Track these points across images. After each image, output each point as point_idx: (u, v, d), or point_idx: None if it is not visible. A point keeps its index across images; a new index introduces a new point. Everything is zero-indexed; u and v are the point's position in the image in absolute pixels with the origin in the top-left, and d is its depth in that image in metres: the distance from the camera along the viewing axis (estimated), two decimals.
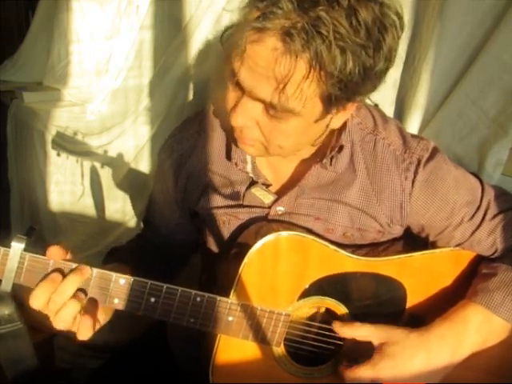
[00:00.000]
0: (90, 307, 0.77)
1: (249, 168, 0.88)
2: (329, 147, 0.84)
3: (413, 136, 0.87)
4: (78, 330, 0.74)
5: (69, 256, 0.76)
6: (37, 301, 0.72)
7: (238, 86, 0.71)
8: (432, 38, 1.07)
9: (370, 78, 0.68)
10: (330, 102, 0.69)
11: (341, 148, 0.84)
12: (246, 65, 0.66)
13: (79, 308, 0.73)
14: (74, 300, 0.72)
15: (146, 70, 1.36)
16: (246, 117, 0.72)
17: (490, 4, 1.02)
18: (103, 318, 0.79)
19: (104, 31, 1.34)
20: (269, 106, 0.69)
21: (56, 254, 0.74)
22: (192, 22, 1.26)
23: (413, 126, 1.16)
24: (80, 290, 0.75)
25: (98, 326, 0.78)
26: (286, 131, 0.73)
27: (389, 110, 1.21)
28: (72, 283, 0.73)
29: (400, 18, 0.67)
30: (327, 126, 0.78)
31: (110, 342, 1.13)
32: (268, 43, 0.63)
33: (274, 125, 0.72)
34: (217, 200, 0.91)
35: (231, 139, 0.87)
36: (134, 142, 1.42)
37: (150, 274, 0.79)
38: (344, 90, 0.67)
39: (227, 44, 0.71)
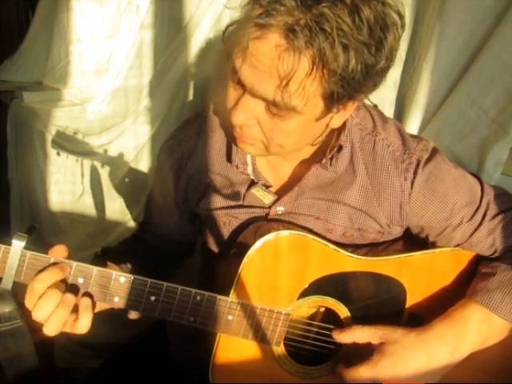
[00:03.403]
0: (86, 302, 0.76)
1: (249, 170, 0.88)
2: (328, 147, 0.84)
3: (412, 136, 0.87)
4: (79, 316, 0.75)
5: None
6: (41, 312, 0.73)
7: (239, 83, 0.70)
8: (432, 38, 1.07)
9: (372, 76, 0.68)
10: (332, 100, 0.69)
11: (340, 148, 0.84)
12: (248, 62, 0.66)
13: (68, 313, 0.73)
14: (62, 306, 0.72)
15: (146, 69, 1.36)
16: (247, 115, 0.72)
17: (490, 4, 1.02)
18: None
19: (104, 31, 1.34)
20: (271, 104, 0.69)
21: (59, 252, 0.75)
22: (192, 22, 1.26)
23: (413, 126, 1.16)
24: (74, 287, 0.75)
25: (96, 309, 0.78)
26: (288, 130, 0.73)
27: (389, 110, 1.21)
28: (48, 275, 0.73)
29: (401, 17, 0.68)
30: (327, 126, 0.78)
31: (112, 340, 1.12)
32: (271, 40, 0.63)
33: (276, 123, 0.72)
34: (217, 201, 0.91)
35: (231, 140, 0.87)
36: (134, 142, 1.42)
37: (145, 275, 0.79)
38: (346, 87, 0.67)
39: (229, 41, 0.70)
